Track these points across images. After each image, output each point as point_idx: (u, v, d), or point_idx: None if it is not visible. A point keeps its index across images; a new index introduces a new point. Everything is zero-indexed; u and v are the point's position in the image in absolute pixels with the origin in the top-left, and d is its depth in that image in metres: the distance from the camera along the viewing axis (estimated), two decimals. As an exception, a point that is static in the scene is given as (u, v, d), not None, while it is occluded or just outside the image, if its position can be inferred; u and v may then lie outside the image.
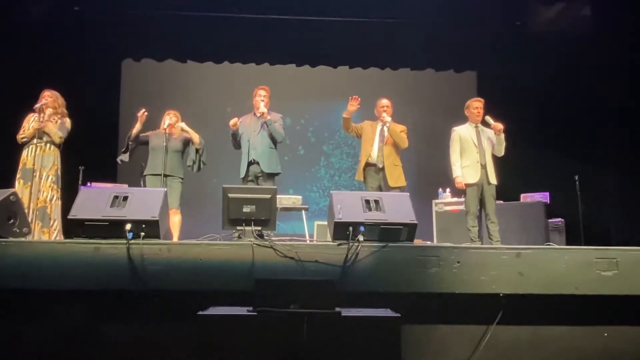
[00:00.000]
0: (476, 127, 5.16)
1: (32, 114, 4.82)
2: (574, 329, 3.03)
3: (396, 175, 5.10)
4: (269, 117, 5.06)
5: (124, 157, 5.20)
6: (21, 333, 2.89)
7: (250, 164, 5.03)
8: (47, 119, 4.75)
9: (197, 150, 5.22)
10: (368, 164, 5.17)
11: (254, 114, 5.17)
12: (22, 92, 5.37)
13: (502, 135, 5.05)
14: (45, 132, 4.73)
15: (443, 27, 7.50)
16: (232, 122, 5.09)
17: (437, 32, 7.52)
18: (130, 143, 5.14)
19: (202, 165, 5.29)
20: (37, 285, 2.83)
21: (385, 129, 5.19)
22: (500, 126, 5.02)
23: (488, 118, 5.10)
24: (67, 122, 4.89)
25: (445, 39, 7.60)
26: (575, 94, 7.11)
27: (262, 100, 5.11)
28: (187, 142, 5.25)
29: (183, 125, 5.23)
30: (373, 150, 5.16)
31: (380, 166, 5.12)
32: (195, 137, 5.20)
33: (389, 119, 5.19)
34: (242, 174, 5.06)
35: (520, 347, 3.01)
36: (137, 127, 5.10)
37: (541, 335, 3.02)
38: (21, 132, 4.80)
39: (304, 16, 7.46)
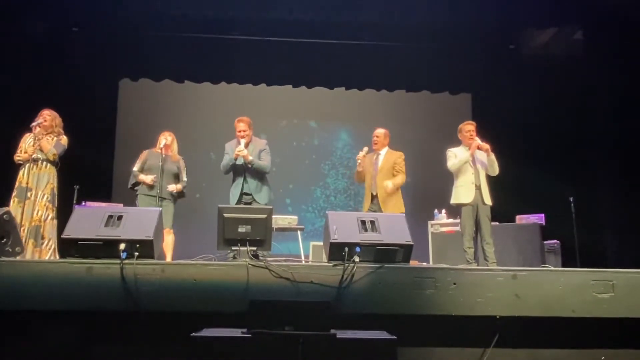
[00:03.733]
0: (469, 149, 5.20)
1: (28, 134, 4.81)
2: (571, 352, 3.01)
3: (391, 205, 5.06)
4: (250, 158, 4.86)
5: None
6: (12, 354, 2.84)
7: (244, 194, 4.94)
8: (41, 138, 4.74)
9: (179, 194, 5.19)
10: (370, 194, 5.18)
11: (247, 144, 5.00)
12: (20, 112, 5.38)
13: (492, 155, 5.09)
14: (39, 149, 4.72)
15: (438, 50, 7.61)
16: (242, 152, 4.83)
17: (433, 55, 7.63)
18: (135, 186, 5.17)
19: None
20: (28, 306, 2.80)
21: (380, 159, 5.23)
22: (486, 146, 5.06)
23: (476, 139, 5.12)
24: (64, 139, 4.87)
25: (440, 62, 7.71)
26: (569, 116, 7.20)
27: (243, 137, 4.91)
28: (179, 173, 5.23)
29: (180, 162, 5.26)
30: (371, 179, 5.17)
31: (374, 194, 5.14)
32: (181, 184, 5.18)
33: (383, 151, 5.24)
34: (234, 202, 4.91)
35: (517, 370, 2.98)
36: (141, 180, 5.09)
37: (538, 358, 3.00)
38: (18, 152, 4.78)
39: (300, 38, 7.55)
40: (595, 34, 7.17)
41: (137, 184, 5.16)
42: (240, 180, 4.98)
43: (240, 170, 4.98)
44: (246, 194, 4.95)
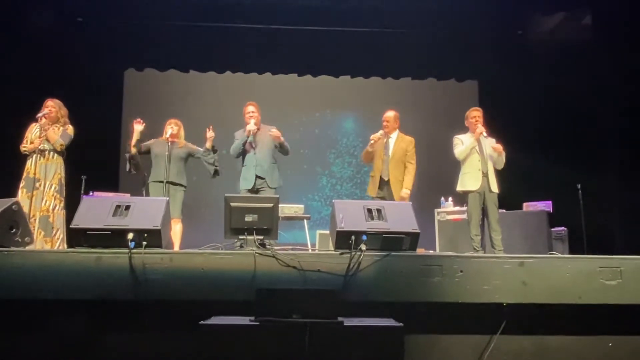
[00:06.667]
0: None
1: (34, 124, 4.84)
2: (578, 338, 3.01)
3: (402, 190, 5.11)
4: (282, 139, 5.07)
5: (132, 170, 5.24)
6: (23, 343, 2.88)
7: (256, 177, 5.03)
8: (48, 128, 4.76)
9: (213, 151, 5.19)
10: (380, 178, 5.17)
11: (258, 129, 5.17)
12: (26, 102, 5.40)
13: (503, 155, 5.08)
14: (46, 140, 4.74)
15: (444, 37, 7.54)
16: (250, 127, 5.04)
17: (439, 42, 7.56)
18: (131, 160, 5.19)
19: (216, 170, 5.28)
20: (38, 295, 2.83)
21: (391, 143, 5.20)
22: (500, 148, 5.03)
23: (481, 128, 5.08)
24: (70, 129, 4.89)
25: (446, 49, 7.64)
26: (577, 102, 7.12)
27: (252, 117, 5.11)
28: (191, 152, 5.27)
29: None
30: (383, 163, 5.17)
31: (386, 179, 5.12)
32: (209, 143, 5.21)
33: (394, 134, 5.24)
34: (249, 186, 5.01)
35: (524, 357, 2.99)
36: (135, 137, 5.13)
37: (545, 345, 3.00)
38: (24, 142, 4.81)
39: (305, 26, 7.50)
40: (604, 18, 7.07)
41: (132, 158, 5.16)
42: (252, 163, 5.06)
43: (251, 154, 5.07)
44: (259, 177, 5.02)
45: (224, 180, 5.45)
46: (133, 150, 5.16)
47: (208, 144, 5.17)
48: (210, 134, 5.18)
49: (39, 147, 4.71)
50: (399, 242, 3.10)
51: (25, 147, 4.77)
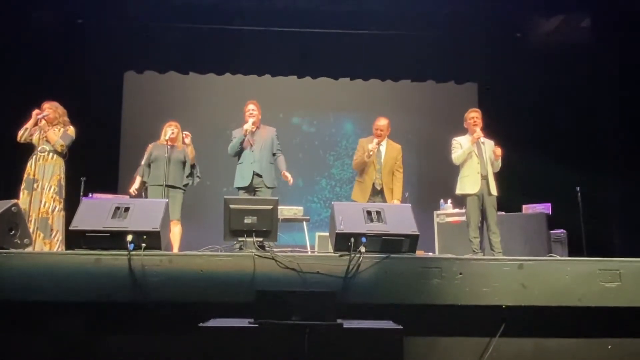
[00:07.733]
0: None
1: (35, 126, 4.82)
2: (578, 341, 3.01)
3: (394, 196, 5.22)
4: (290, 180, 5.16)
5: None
6: (22, 345, 2.88)
7: (254, 175, 5.05)
8: (48, 129, 4.76)
9: (192, 166, 5.26)
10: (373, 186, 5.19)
11: (257, 128, 5.21)
12: (26, 105, 5.38)
13: (499, 160, 5.09)
14: (46, 140, 4.74)
15: (444, 39, 7.55)
16: (247, 127, 5.09)
17: (438, 44, 7.57)
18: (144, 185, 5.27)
19: (197, 179, 5.35)
20: (37, 297, 2.83)
21: (382, 151, 5.22)
22: (499, 152, 5.04)
23: (479, 133, 5.08)
24: (71, 130, 4.89)
25: (446, 51, 7.65)
26: (576, 105, 7.14)
27: (251, 116, 5.15)
28: (186, 158, 5.27)
29: (188, 140, 5.27)
30: (376, 172, 5.19)
31: (379, 188, 5.15)
32: (192, 154, 5.24)
33: (384, 141, 5.27)
34: (246, 183, 5.04)
35: (523, 359, 2.99)
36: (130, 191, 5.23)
37: (544, 347, 3.00)
38: (21, 131, 4.73)
39: (305, 28, 7.51)
40: (602, 21, 7.08)
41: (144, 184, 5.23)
42: (250, 160, 5.09)
43: (249, 152, 5.11)
44: (257, 174, 5.06)
45: (224, 182, 5.46)
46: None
47: (191, 157, 5.20)
48: (188, 139, 5.22)
49: (39, 148, 4.70)
50: (398, 244, 3.10)
51: (23, 135, 4.72)
